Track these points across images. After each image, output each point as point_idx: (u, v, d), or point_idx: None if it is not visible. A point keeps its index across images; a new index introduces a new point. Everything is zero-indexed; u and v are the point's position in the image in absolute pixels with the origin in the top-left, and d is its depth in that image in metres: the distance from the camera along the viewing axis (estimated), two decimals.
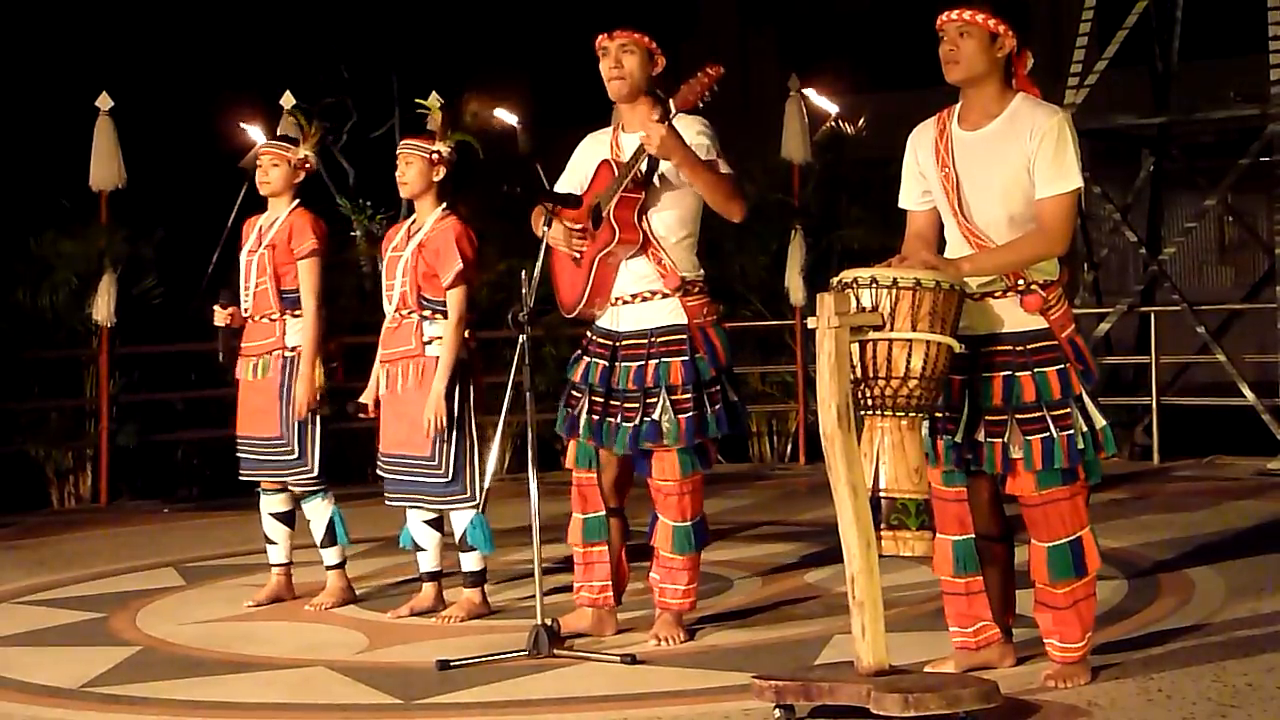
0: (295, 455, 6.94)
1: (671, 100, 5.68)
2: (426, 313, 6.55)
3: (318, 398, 6.91)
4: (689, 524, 5.94)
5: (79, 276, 11.77)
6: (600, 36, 5.98)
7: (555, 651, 5.70)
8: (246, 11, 19.26)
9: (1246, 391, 11.90)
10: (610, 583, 6.10)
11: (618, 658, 5.65)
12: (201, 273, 13.73)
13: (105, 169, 11.45)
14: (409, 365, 6.56)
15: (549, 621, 5.77)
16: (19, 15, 17.27)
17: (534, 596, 5.79)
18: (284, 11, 19.26)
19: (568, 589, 6.36)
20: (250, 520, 9.96)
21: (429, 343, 6.54)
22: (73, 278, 11.81)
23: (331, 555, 7.08)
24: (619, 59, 5.94)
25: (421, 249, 6.55)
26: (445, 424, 6.44)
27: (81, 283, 11.75)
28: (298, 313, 6.97)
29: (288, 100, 11.62)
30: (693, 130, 5.82)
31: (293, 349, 6.96)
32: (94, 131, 11.46)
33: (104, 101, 11.46)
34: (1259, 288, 14.04)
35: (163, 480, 12.31)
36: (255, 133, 11.19)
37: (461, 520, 6.56)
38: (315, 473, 6.99)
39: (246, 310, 7.08)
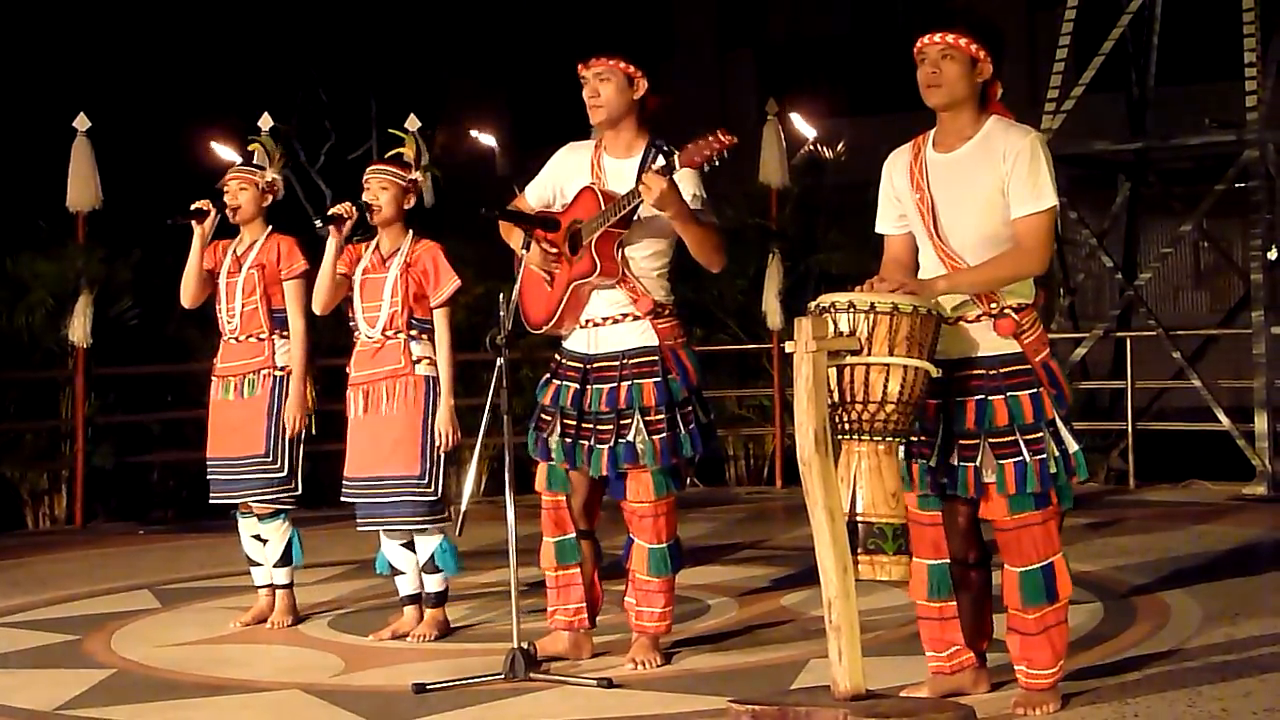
0: (285, 473, 6.96)
1: (677, 156, 5.65)
2: (414, 332, 6.58)
3: (309, 417, 6.93)
4: (664, 546, 5.93)
5: (55, 297, 11.75)
6: (580, 65, 6.00)
7: (531, 675, 5.68)
8: (225, 33, 19.27)
9: (1222, 416, 11.93)
10: (585, 605, 6.10)
11: (594, 681, 5.63)
12: (178, 294, 13.67)
13: (82, 190, 11.42)
14: (395, 385, 6.57)
15: (525, 645, 5.76)
16: None
17: (509, 619, 5.79)
18: (262, 34, 19.27)
19: (543, 612, 6.35)
20: (225, 542, 9.96)
21: (418, 362, 6.55)
22: (49, 298, 11.78)
23: (283, 575, 7.09)
24: (595, 88, 5.96)
25: (408, 270, 6.56)
26: (457, 442, 6.55)
27: (58, 304, 11.72)
28: (285, 333, 6.99)
29: (266, 122, 11.59)
30: (689, 184, 5.81)
31: (282, 368, 6.98)
32: (71, 152, 11.43)
33: (81, 122, 11.44)
34: (1234, 313, 14.10)
35: (138, 502, 12.29)
36: (226, 152, 11.16)
37: (429, 543, 6.57)
38: (299, 491, 7.02)
39: (233, 330, 7.08)
